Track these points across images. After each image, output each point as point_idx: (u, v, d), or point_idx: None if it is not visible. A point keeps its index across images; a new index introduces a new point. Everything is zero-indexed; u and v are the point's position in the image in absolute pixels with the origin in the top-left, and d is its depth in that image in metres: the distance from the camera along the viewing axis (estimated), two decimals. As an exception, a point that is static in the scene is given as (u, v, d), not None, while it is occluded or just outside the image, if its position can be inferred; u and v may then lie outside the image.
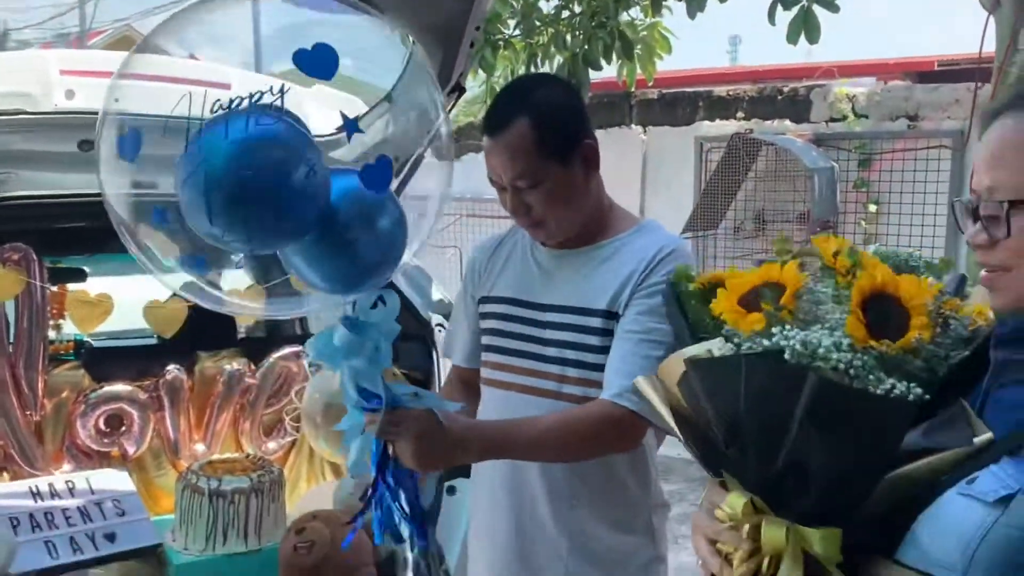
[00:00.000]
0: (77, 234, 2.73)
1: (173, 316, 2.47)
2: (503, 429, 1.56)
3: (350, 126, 1.30)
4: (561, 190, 1.57)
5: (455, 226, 7.40)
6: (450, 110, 2.61)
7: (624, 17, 4.94)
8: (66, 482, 2.45)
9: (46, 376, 2.50)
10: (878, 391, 0.90)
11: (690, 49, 6.05)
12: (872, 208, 6.05)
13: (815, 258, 1.12)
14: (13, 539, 2.07)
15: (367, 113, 2.64)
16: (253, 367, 2.81)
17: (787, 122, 6.57)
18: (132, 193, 1.37)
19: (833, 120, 6.37)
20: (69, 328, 2.64)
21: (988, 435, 0.89)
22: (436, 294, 3.14)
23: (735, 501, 0.98)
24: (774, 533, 0.95)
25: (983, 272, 0.98)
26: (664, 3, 4.66)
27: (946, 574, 0.87)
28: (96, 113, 2.29)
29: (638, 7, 4.90)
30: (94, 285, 2.67)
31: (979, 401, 0.95)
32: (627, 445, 1.60)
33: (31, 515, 2.30)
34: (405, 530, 1.53)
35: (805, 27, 3.79)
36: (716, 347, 1.03)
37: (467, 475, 2.31)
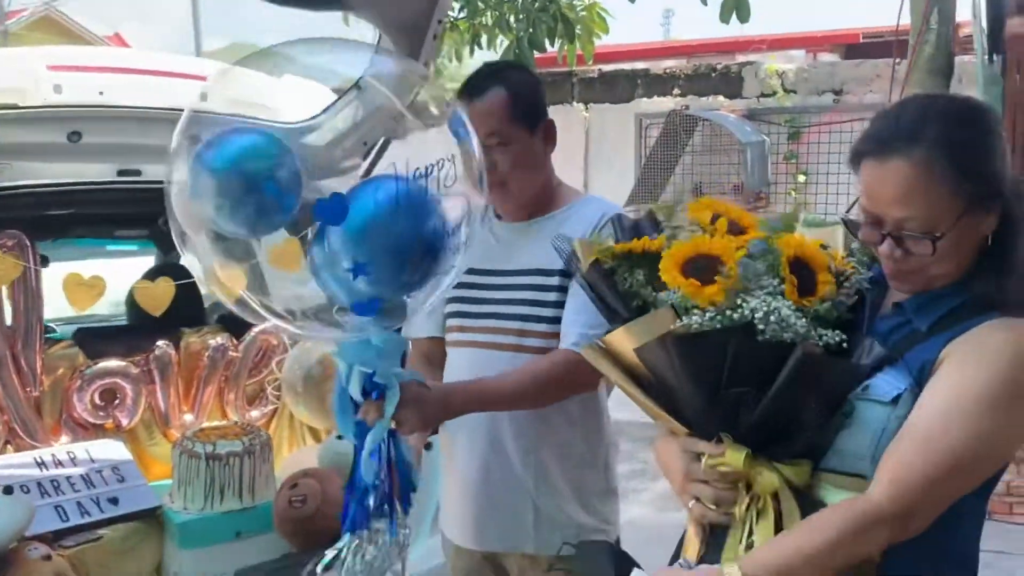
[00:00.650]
0: (42, 221, 2.85)
1: (162, 295, 2.64)
2: (479, 384, 1.79)
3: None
4: (525, 155, 1.81)
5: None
6: (413, 98, 2.80)
7: (564, -1, 5.14)
8: (67, 452, 2.62)
9: (43, 355, 2.66)
10: (820, 344, 1.16)
11: (625, 23, 6.28)
12: (801, 179, 6.42)
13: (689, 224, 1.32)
14: (31, 503, 2.25)
15: (336, 102, 2.83)
16: (235, 341, 3.00)
17: (721, 98, 6.90)
18: None
19: (764, 95, 6.72)
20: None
21: (882, 352, 1.21)
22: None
23: (734, 456, 1.17)
24: (769, 477, 1.16)
25: (889, 269, 1.23)
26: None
27: (858, 462, 1.17)
28: (83, 106, 2.45)
29: (578, -12, 5.11)
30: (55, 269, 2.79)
31: (863, 327, 1.26)
32: (587, 387, 1.83)
33: (39, 483, 2.47)
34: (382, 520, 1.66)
35: (736, 6, 4.06)
36: (668, 321, 1.20)
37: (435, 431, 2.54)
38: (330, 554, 1.71)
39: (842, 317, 1.25)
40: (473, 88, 1.82)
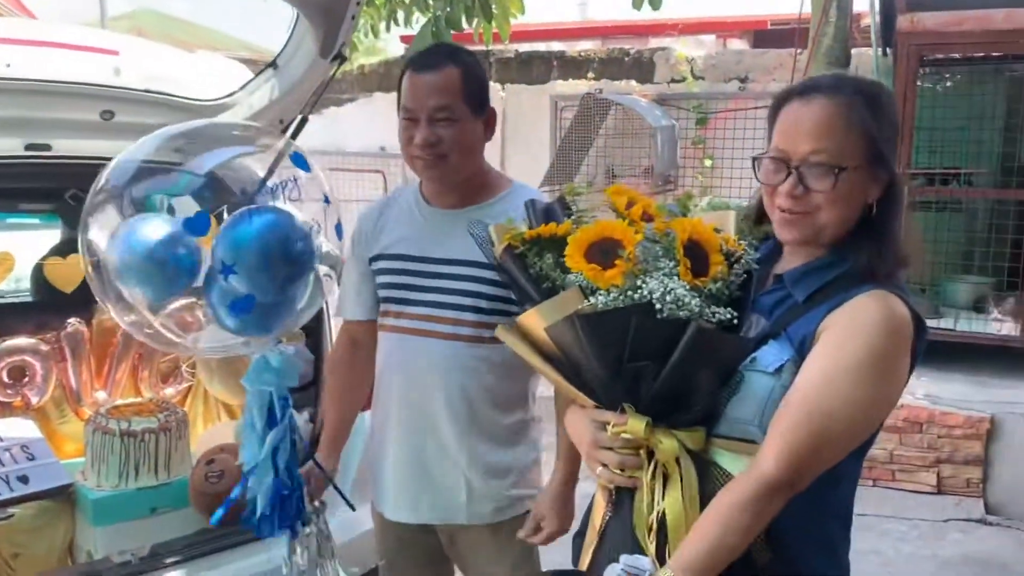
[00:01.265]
0: None
1: (74, 272, 2.61)
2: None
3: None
4: (467, 136, 1.83)
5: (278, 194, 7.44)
6: (332, 77, 2.82)
7: (481, -22, 5.17)
8: (-26, 431, 2.58)
9: (-52, 332, 2.61)
10: (713, 321, 1.27)
11: (541, 3, 6.35)
12: (708, 163, 6.63)
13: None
14: (-61, 481, 2.22)
15: (253, 79, 2.83)
16: (150, 318, 2.98)
17: (633, 82, 7.05)
18: None
19: (674, 81, 6.91)
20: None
21: (766, 326, 1.33)
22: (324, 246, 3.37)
23: (635, 424, 1.26)
24: (669, 443, 1.26)
25: (784, 213, 1.33)
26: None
27: (745, 426, 1.29)
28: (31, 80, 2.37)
29: (494, -33, 5.14)
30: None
31: (750, 304, 1.37)
32: None
33: (-55, 462, 2.44)
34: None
35: (649, -7, 4.17)
36: (576, 301, 1.28)
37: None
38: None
39: (732, 295, 1.36)
40: (427, 61, 1.84)
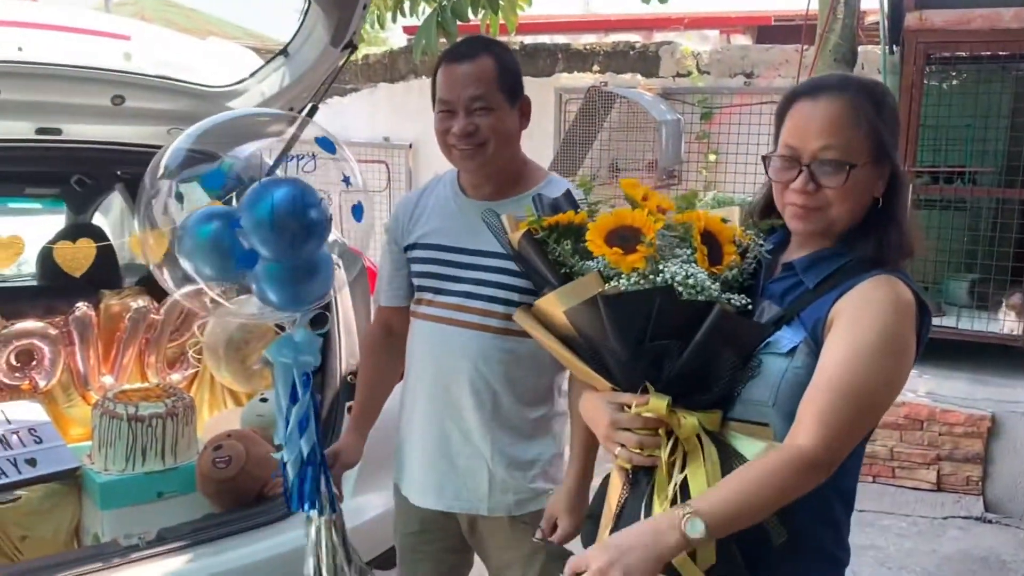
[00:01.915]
0: None
1: (83, 256, 2.62)
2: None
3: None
4: (504, 124, 1.85)
5: (323, 169, 7.46)
6: (342, 65, 2.83)
7: (487, -32, 5.15)
8: (-18, 413, 2.60)
9: (-44, 315, 2.62)
10: (733, 306, 1.32)
11: (546, -5, 6.34)
12: (712, 158, 6.62)
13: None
14: (-52, 462, 2.23)
15: (263, 67, 2.84)
16: (157, 304, 2.99)
17: (638, 76, 7.04)
18: None
19: (679, 76, 6.89)
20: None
21: (779, 311, 1.38)
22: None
23: (657, 403, 1.30)
24: (690, 421, 1.30)
25: (795, 208, 1.37)
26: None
27: (760, 408, 1.33)
28: (2, 62, 2.39)
29: (501, -42, 5.12)
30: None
31: (759, 291, 1.42)
32: None
33: (-47, 444, 2.45)
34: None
35: (656, -11, 4.16)
36: (595, 285, 1.32)
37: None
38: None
39: (745, 283, 1.42)
40: (462, 53, 1.85)
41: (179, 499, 2.55)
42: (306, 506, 1.92)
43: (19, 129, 2.53)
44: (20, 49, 2.47)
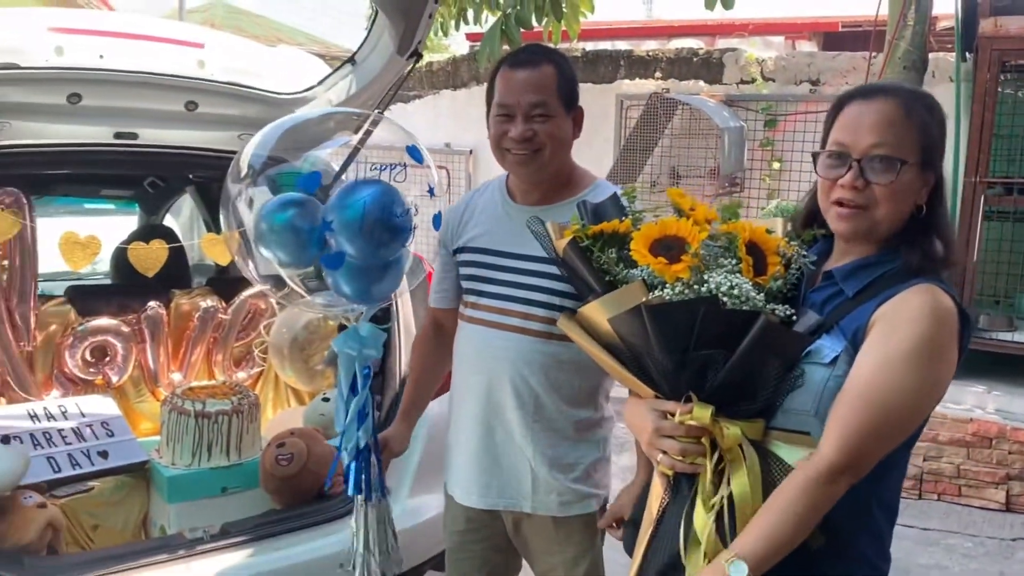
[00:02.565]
0: (35, 180, 2.89)
1: (156, 257, 2.70)
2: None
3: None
4: (561, 132, 1.89)
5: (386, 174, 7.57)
6: (408, 73, 2.88)
7: (551, -24, 5.16)
8: (59, 406, 2.70)
9: (37, 311, 2.72)
10: (777, 316, 1.32)
11: (607, 2, 6.33)
12: (776, 166, 6.53)
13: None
14: (27, 453, 2.32)
15: (332, 74, 2.90)
16: (225, 304, 3.07)
17: (701, 83, 6.98)
18: None
19: (743, 82, 6.82)
20: None
21: (817, 319, 1.38)
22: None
23: (701, 412, 1.31)
24: (733, 430, 1.31)
25: (841, 208, 1.38)
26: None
27: (802, 417, 1.33)
28: (84, 69, 2.49)
29: (565, -35, 5.13)
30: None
31: (801, 301, 1.43)
32: None
33: (32, 435, 2.55)
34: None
35: (722, -7, 4.12)
36: (640, 294, 1.33)
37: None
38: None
39: (789, 293, 1.42)
40: (524, 59, 1.90)
41: (242, 495, 2.61)
42: (352, 490, 2.02)
43: (99, 134, 2.63)
44: (101, 57, 2.56)
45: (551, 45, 6.02)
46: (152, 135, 2.71)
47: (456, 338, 2.07)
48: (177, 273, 3.10)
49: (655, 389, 1.40)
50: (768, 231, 1.43)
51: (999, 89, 5.02)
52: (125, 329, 2.89)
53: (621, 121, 7.07)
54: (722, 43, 9.58)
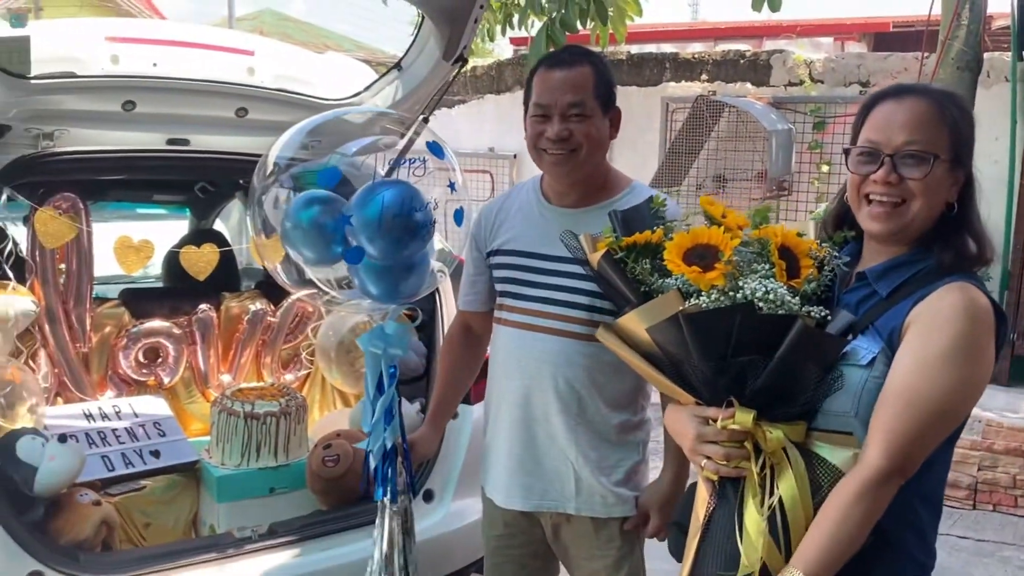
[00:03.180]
0: (90, 185, 2.95)
1: (208, 260, 2.75)
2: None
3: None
4: (597, 132, 1.89)
5: (428, 177, 7.63)
6: (453, 79, 2.89)
7: (597, -21, 5.15)
8: (113, 406, 2.77)
9: (92, 313, 2.79)
10: (813, 318, 1.32)
11: (653, 3, 6.29)
12: (824, 168, 6.43)
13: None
14: (83, 451, 2.38)
15: (378, 80, 2.93)
16: (273, 307, 3.12)
17: (748, 85, 6.91)
18: None
19: (791, 84, 6.73)
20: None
21: (849, 319, 1.38)
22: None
23: (743, 417, 1.32)
24: (776, 434, 1.31)
25: (875, 207, 1.38)
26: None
27: (843, 418, 1.34)
28: (138, 77, 2.55)
29: (611, -31, 5.12)
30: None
31: (835, 303, 1.43)
32: None
33: (87, 434, 2.62)
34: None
35: (769, -6, 4.06)
36: (676, 303, 1.34)
37: (468, 401, 2.66)
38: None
39: (823, 295, 1.43)
40: (562, 60, 1.90)
41: (289, 495, 2.65)
42: (379, 493, 2.04)
43: (152, 140, 2.69)
44: (155, 65, 2.62)
45: (596, 48, 6.01)
46: (203, 141, 2.76)
47: (493, 341, 2.07)
48: (227, 276, 3.15)
49: (695, 396, 1.41)
50: (799, 234, 1.43)
51: (1057, 89, 4.88)
52: (177, 331, 2.95)
53: (666, 124, 7.03)
54: (769, 45, 9.47)
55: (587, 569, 2.01)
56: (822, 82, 6.61)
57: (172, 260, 3.13)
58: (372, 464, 2.05)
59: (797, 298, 1.34)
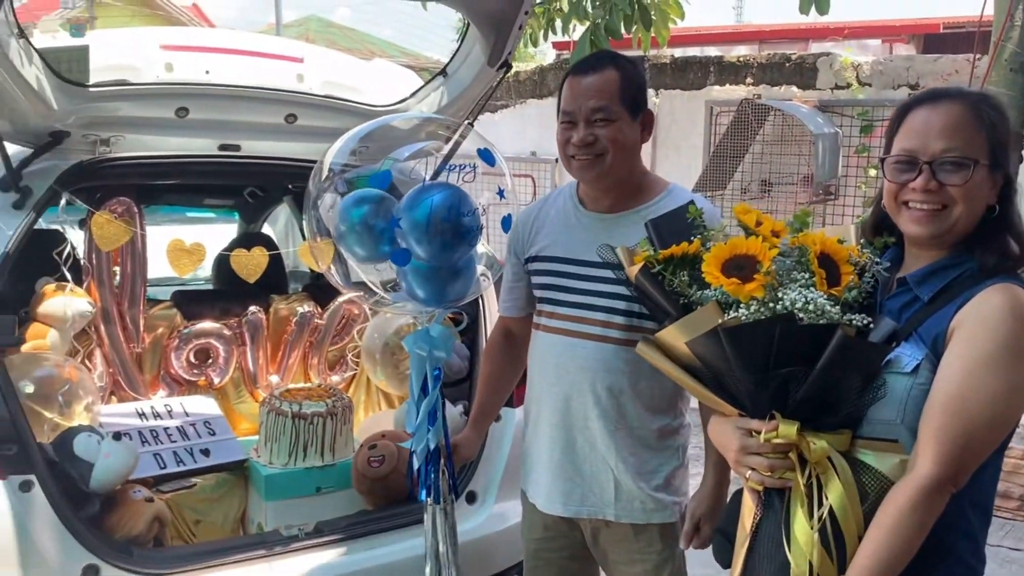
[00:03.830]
0: (143, 190, 3.03)
1: (257, 263, 2.81)
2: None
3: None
4: (624, 136, 1.89)
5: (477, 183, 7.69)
6: (498, 84, 2.92)
7: (640, -17, 5.13)
8: (164, 405, 2.84)
9: (145, 314, 2.87)
10: (855, 326, 1.31)
11: (697, 7, 6.27)
12: (872, 173, 6.33)
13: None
14: (136, 449, 2.45)
15: (424, 86, 2.97)
16: (320, 309, 3.17)
17: (794, 88, 6.85)
18: None
19: (838, 87, 6.65)
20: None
21: (892, 326, 1.37)
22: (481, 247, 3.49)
23: (787, 429, 1.32)
24: (820, 444, 1.31)
25: (917, 212, 1.36)
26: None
27: (888, 426, 1.33)
28: (191, 84, 2.62)
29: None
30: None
31: (877, 309, 1.41)
32: None
33: (140, 432, 2.69)
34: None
35: (816, -4, 4.01)
36: (715, 316, 1.33)
37: (511, 404, 2.67)
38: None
39: (864, 302, 1.41)
40: (587, 66, 1.92)
41: (335, 495, 2.69)
42: (423, 494, 2.08)
43: (204, 145, 2.75)
44: (207, 72, 2.69)
45: (638, 52, 5.99)
46: (253, 147, 2.82)
47: (531, 347, 2.08)
48: (275, 279, 3.21)
49: (738, 407, 1.40)
50: (840, 240, 1.42)
51: (1115, 91, 4.75)
52: (227, 332, 3.01)
53: (710, 128, 6.98)
54: (816, 47, 9.37)
55: (627, 573, 2.01)
56: (870, 85, 6.53)
57: (223, 263, 3.19)
58: (415, 465, 2.08)
59: (838, 307, 1.33)
